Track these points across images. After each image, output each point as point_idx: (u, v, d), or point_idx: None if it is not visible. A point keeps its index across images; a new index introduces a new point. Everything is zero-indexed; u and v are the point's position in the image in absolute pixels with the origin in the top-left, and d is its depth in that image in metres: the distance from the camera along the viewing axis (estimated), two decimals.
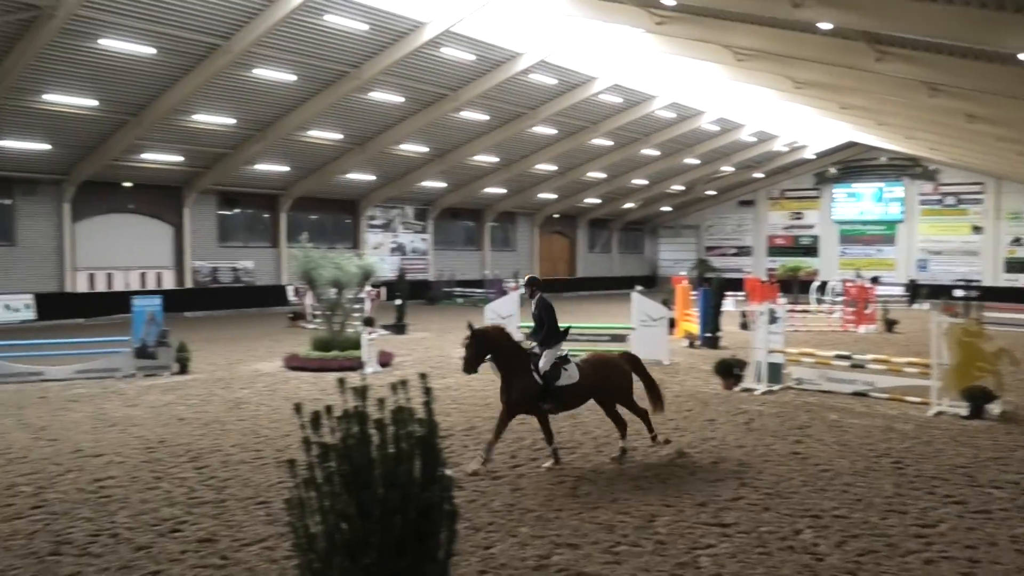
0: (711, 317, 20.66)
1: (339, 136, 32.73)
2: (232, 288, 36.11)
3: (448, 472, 4.12)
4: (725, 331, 21.50)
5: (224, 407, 13.07)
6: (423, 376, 4.32)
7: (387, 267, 37.17)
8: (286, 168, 34.89)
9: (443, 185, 42.13)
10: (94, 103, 25.76)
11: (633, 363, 9.83)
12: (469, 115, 33.03)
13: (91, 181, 30.72)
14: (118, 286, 32.28)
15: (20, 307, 29.26)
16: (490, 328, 9.57)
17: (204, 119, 28.50)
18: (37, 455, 9.94)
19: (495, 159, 39.78)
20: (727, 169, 50.46)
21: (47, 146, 27.97)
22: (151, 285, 33.14)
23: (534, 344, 9.36)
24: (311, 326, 22.93)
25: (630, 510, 7.60)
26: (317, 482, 3.80)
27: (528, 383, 8.99)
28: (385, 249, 42.39)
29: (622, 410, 9.64)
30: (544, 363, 9.05)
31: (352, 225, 41.77)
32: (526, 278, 10.17)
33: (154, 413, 12.58)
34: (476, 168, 40.65)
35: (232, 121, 29.27)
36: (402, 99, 30.22)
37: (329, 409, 3.96)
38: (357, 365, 16.43)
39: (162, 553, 6.66)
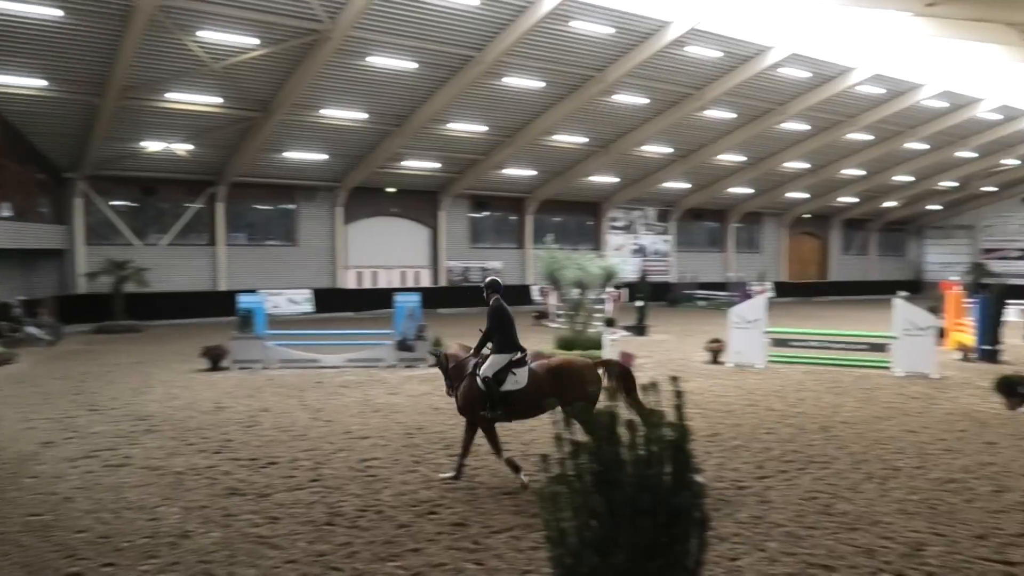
0: (990, 328, 18.48)
1: (584, 139, 33.24)
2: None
3: (698, 479, 4.01)
4: (1007, 344, 19.16)
5: None
6: (674, 379, 4.24)
7: (628, 268, 37.21)
8: (532, 172, 36.03)
9: (686, 186, 41.39)
10: (363, 116, 28.20)
11: (618, 375, 8.50)
12: (714, 113, 32.17)
13: (360, 187, 33.74)
14: (382, 283, 35.12)
15: (301, 301, 32.79)
16: (451, 348, 9.38)
17: (458, 127, 30.19)
18: (315, 434, 11.05)
19: (741, 158, 38.42)
20: (1010, 162, 44.95)
21: (324, 156, 31.05)
22: (410, 283, 35.70)
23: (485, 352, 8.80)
24: (554, 325, 23.45)
25: (893, 535, 6.98)
26: (568, 478, 3.86)
27: (470, 387, 8.60)
28: (626, 251, 42.42)
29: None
30: (486, 368, 8.55)
31: (594, 227, 42.23)
32: (486, 281, 9.47)
33: (412, 402, 13.52)
34: (721, 168, 39.51)
35: (484, 128, 30.74)
36: (646, 100, 30.08)
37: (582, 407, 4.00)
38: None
39: (420, 532, 7.11)
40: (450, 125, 29.93)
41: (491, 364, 8.60)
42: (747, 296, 28.21)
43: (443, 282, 36.97)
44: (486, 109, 29.26)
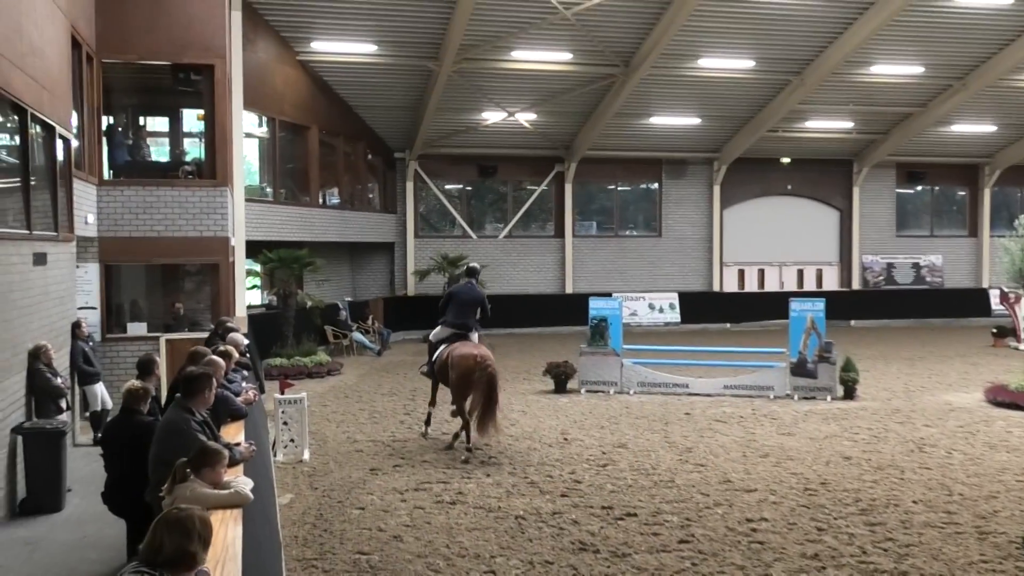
0: None
1: None
2: (912, 291, 35.87)
3: None
4: None
5: (902, 448, 13.08)
6: None
7: None
8: (991, 128, 33.34)
9: None
10: (750, 63, 27.99)
11: (482, 373, 12.34)
12: None
13: (743, 159, 33.55)
14: (770, 285, 34.66)
15: (664, 307, 33.47)
16: None
17: (883, 71, 28.75)
18: (683, 480, 11.22)
19: None
20: None
21: (696, 120, 31.38)
22: (809, 285, 34.79)
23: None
24: None
25: None
26: None
27: None
28: None
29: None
30: (433, 334, 14.00)
31: None
32: (467, 266, 14.70)
33: (813, 446, 13.17)
34: None
35: (919, 70, 28.96)
36: None
37: None
38: None
39: None
40: (872, 69, 28.62)
41: (435, 332, 13.83)
42: None
43: (856, 284, 35.54)
44: (924, 42, 27.49)
